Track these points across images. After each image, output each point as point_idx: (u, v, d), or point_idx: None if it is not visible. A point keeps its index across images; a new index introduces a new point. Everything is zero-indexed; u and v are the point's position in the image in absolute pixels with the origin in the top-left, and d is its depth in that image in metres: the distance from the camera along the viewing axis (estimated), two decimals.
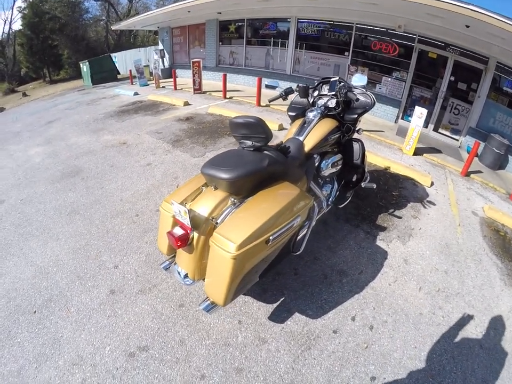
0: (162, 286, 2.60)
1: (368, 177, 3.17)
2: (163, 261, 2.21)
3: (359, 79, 2.82)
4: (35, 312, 2.49)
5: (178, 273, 1.99)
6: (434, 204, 3.41)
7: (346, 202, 3.03)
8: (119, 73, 19.27)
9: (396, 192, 3.58)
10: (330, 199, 2.83)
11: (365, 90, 2.86)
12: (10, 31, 29.06)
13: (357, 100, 2.61)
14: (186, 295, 2.47)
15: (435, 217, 3.20)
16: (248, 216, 1.73)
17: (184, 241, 1.78)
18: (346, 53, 7.80)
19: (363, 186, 3.07)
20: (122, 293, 2.57)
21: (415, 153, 4.69)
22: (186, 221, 1.71)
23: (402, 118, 6.34)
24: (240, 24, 10.59)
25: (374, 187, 3.08)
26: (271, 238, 1.67)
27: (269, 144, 2.12)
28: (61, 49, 27.31)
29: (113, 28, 20.39)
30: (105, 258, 3.00)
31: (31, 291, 2.70)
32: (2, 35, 29.81)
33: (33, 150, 6.61)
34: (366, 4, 6.33)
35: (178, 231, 1.78)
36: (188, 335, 2.16)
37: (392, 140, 5.36)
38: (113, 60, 19.64)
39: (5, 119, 12.48)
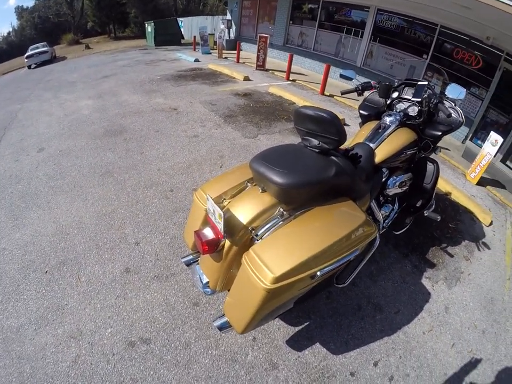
0: (181, 277, 2.57)
1: (434, 206, 2.93)
2: (186, 254, 2.13)
3: (454, 91, 2.47)
4: (46, 272, 2.61)
5: (200, 278, 1.89)
6: (489, 248, 3.17)
7: (404, 230, 2.82)
8: (183, 38, 20.20)
9: (453, 225, 3.38)
10: (386, 222, 2.62)
11: (453, 105, 2.56)
12: None
13: (449, 115, 2.34)
14: (204, 295, 2.40)
15: (487, 264, 2.98)
16: (296, 239, 1.54)
17: (212, 248, 1.63)
18: (424, 56, 7.37)
19: (426, 214, 2.81)
20: (137, 274, 2.59)
21: (478, 183, 4.38)
22: (220, 226, 1.55)
23: (471, 140, 5.88)
24: (314, 6, 10.43)
25: (438, 219, 2.82)
26: (318, 273, 1.47)
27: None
28: (128, 7, 29.60)
29: None
30: (128, 231, 3.05)
31: (48, 249, 2.85)
32: None
33: (84, 102, 7.09)
34: (458, 5, 5.87)
35: (208, 234, 1.63)
36: (195, 339, 2.10)
37: (457, 162, 5.06)
38: (179, 24, 20.58)
39: (64, 68, 13.65)
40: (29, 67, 16.91)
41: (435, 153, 2.74)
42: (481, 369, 2.10)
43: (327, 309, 2.38)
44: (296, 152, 1.88)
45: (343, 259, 1.59)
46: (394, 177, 2.50)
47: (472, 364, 2.12)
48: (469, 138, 6.04)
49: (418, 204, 2.77)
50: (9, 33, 44.25)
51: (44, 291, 2.45)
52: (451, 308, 2.48)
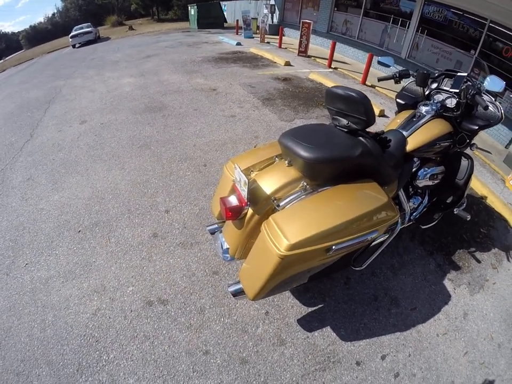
0: (205, 246, 2.61)
1: (465, 204, 2.76)
2: (211, 223, 2.19)
3: (493, 83, 2.32)
4: (79, 231, 2.76)
5: (221, 244, 1.94)
6: None
7: (431, 225, 2.69)
8: (226, 22, 20.11)
9: (485, 230, 3.13)
10: (414, 214, 2.54)
11: (493, 100, 2.41)
12: None
13: (486, 107, 2.21)
14: (225, 265, 2.44)
15: None
16: (316, 212, 1.55)
17: (235, 214, 1.68)
18: (472, 51, 6.89)
19: (455, 212, 2.67)
20: (164, 239, 2.67)
21: None
22: (244, 193, 1.59)
23: None
24: None
25: (468, 218, 2.67)
26: (334, 247, 1.48)
27: (368, 130, 1.88)
28: None
29: None
30: (159, 200, 3.15)
31: (83, 211, 2.99)
32: None
33: (126, 80, 7.33)
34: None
35: (232, 201, 1.69)
36: (210, 306, 2.14)
37: (498, 167, 4.63)
38: (222, 7, 20.49)
39: (107, 48, 14.13)
40: (73, 46, 17.55)
41: (471, 149, 2.58)
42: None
43: (343, 294, 2.33)
44: (324, 131, 1.90)
45: (360, 237, 1.57)
46: (426, 169, 2.40)
47: (482, 377, 1.97)
48: None
49: (449, 200, 2.66)
50: (53, 14, 45.45)
51: (75, 248, 2.59)
52: (470, 314, 2.32)
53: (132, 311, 2.09)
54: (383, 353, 2.00)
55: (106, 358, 1.85)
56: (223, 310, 2.11)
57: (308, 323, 2.11)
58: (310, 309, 2.19)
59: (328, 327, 2.10)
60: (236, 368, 1.83)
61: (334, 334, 2.07)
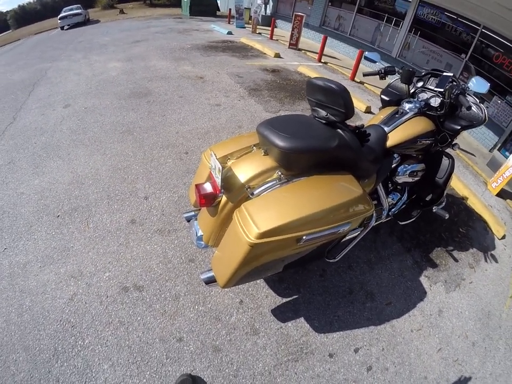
0: (182, 233, 2.58)
1: (444, 203, 2.77)
2: (188, 211, 2.16)
3: (478, 84, 2.30)
4: (58, 216, 2.69)
5: (195, 231, 1.91)
6: (496, 261, 2.94)
7: (409, 221, 2.71)
8: (218, 10, 19.64)
9: (464, 230, 3.17)
10: (393, 210, 2.54)
11: (478, 101, 2.39)
12: None
13: (469, 108, 2.17)
14: (201, 253, 2.42)
15: (491, 276, 2.77)
16: (288, 201, 1.52)
17: (209, 201, 1.67)
18: (463, 55, 6.92)
19: (434, 210, 2.69)
20: (141, 225, 2.63)
21: (498, 194, 4.06)
22: (218, 181, 1.57)
23: (499, 150, 5.43)
24: None
25: (446, 217, 2.70)
26: (304, 237, 1.45)
27: (347, 122, 1.85)
28: None
29: None
30: (139, 186, 3.09)
31: (63, 196, 2.91)
32: None
33: (112, 64, 7.10)
34: (501, 6, 5.46)
35: (207, 188, 1.67)
36: (185, 293, 2.13)
37: (481, 170, 4.73)
38: None
39: (96, 31, 13.61)
40: (62, 28, 16.90)
41: (453, 149, 2.57)
42: (462, 381, 1.98)
43: (318, 286, 2.33)
44: (303, 121, 1.86)
45: (332, 229, 1.56)
46: (406, 165, 2.40)
47: (455, 374, 1.99)
48: (497, 147, 5.62)
49: (428, 198, 2.67)
50: None
51: (53, 233, 2.52)
52: (445, 312, 2.35)
53: (107, 296, 2.06)
54: (356, 346, 2.01)
55: (82, 343, 1.83)
56: (198, 297, 2.10)
57: (281, 313, 2.11)
58: (284, 300, 2.19)
59: (302, 318, 2.11)
60: (208, 356, 1.83)
61: (308, 325, 2.07)
